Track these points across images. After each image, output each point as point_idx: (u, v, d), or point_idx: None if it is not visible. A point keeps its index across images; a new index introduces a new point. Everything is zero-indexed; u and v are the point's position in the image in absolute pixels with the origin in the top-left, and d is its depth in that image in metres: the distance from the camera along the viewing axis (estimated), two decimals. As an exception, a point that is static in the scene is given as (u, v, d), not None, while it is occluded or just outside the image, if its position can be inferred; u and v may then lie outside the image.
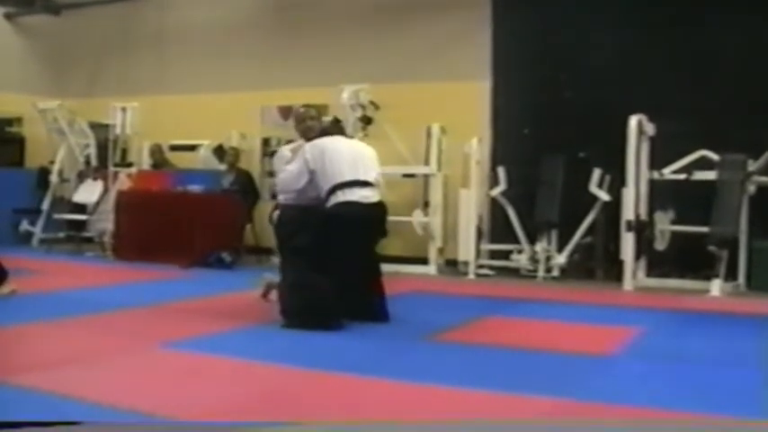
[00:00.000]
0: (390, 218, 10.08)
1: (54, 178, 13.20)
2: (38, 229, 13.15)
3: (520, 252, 10.48)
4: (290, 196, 6.82)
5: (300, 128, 7.08)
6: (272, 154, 12.67)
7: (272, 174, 11.92)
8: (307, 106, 7.28)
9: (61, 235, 12.92)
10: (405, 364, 5.13)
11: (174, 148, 12.92)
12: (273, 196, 11.64)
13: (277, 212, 6.91)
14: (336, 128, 7.15)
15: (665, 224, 9.69)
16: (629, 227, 9.35)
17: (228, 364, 5.01)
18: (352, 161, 6.56)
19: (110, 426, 3.70)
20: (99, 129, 13.15)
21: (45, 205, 13.19)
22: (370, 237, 6.71)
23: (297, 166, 6.59)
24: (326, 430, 3.78)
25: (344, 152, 6.61)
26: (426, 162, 10.75)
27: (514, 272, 10.48)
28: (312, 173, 6.49)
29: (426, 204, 10.92)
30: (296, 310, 6.29)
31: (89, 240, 12.30)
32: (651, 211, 9.70)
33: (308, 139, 6.91)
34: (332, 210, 6.40)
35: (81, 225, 12.41)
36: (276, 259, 10.89)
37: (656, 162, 9.67)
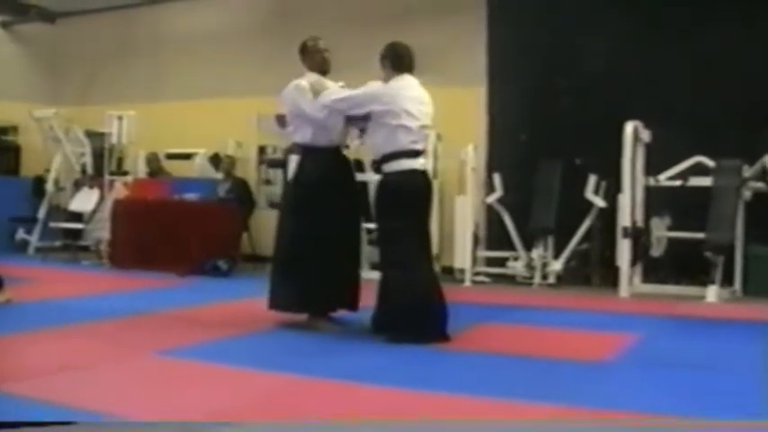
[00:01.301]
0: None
1: (50, 187, 13.19)
2: (34, 238, 13.13)
3: (516, 259, 10.48)
4: (305, 133, 6.50)
5: (317, 58, 6.78)
6: (269, 162, 12.76)
7: (268, 181, 11.98)
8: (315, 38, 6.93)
9: (57, 243, 12.92)
10: (403, 373, 5.11)
11: (171, 156, 12.92)
12: (272, 204, 11.69)
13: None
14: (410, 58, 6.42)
15: (661, 230, 9.70)
16: (626, 233, 9.36)
17: (224, 372, 4.99)
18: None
19: (108, 426, 3.70)
20: (95, 137, 13.13)
21: (41, 214, 13.18)
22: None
23: (363, 96, 6.24)
24: (326, 430, 3.77)
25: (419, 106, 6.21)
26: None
27: (511, 279, 10.49)
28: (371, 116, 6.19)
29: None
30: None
31: (85, 249, 12.30)
32: (647, 218, 9.72)
33: (325, 72, 6.69)
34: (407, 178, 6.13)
35: (77, 234, 12.41)
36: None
37: (652, 168, 9.69)
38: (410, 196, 6.09)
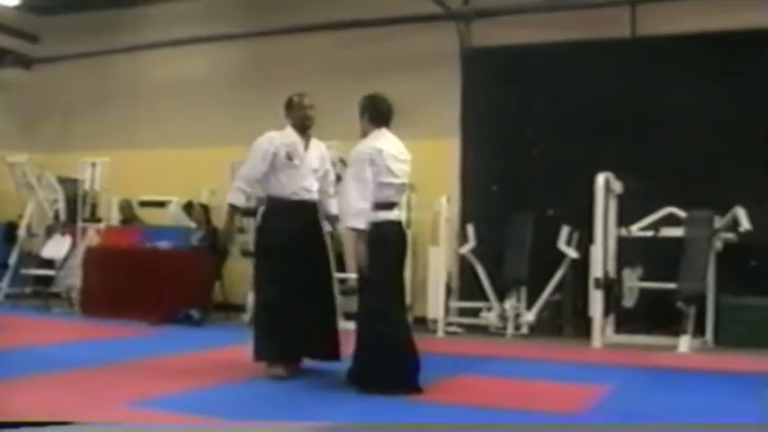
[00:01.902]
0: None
1: (22, 233, 13.05)
2: (4, 284, 12.99)
3: (489, 309, 10.49)
4: (267, 185, 6.77)
5: (299, 114, 6.94)
6: (243, 211, 12.72)
7: (242, 230, 11.93)
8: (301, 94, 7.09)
9: (28, 290, 12.80)
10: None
11: (144, 204, 12.87)
12: (245, 253, 11.66)
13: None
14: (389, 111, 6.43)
15: (633, 281, 9.75)
16: (598, 284, 9.40)
17: (197, 423, 4.95)
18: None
19: (108, 426, 3.66)
20: (68, 183, 13.07)
21: (12, 260, 13.05)
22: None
23: (365, 175, 6.05)
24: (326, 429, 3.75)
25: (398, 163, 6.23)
26: (396, 219, 10.77)
27: (483, 329, 10.48)
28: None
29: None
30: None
31: (56, 296, 12.17)
32: (619, 268, 9.77)
33: (306, 128, 6.87)
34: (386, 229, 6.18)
35: (48, 280, 12.30)
36: (247, 316, 10.93)
37: (624, 219, 9.77)
38: (385, 247, 6.10)
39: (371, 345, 6.04)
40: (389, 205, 6.16)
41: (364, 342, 6.10)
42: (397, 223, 6.29)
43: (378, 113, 6.30)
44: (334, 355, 6.78)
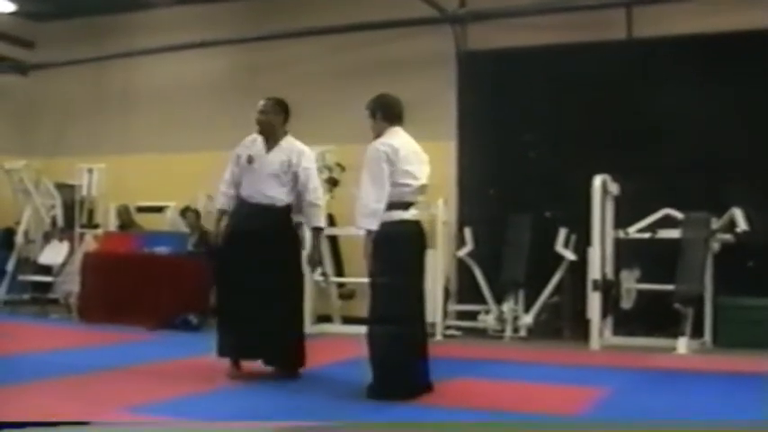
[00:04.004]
0: (358, 279, 10.10)
1: (19, 239, 13.03)
2: (2, 291, 12.97)
3: (487, 312, 10.49)
4: (228, 191, 6.99)
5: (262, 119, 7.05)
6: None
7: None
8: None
9: (26, 297, 12.77)
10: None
11: (141, 209, 12.87)
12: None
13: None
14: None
15: (630, 283, 9.76)
16: (596, 286, 9.41)
17: (197, 428, 4.96)
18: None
19: (113, 426, 3.66)
20: (65, 189, 13.05)
21: (9, 266, 13.04)
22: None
23: (382, 178, 5.97)
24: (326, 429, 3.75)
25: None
26: (393, 223, 10.77)
27: (482, 332, 10.48)
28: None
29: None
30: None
31: (54, 302, 12.16)
32: (617, 270, 9.77)
33: (261, 132, 6.97)
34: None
35: (46, 287, 12.29)
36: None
37: (621, 221, 9.78)
38: (396, 247, 6.02)
39: (380, 348, 5.95)
40: (405, 205, 6.09)
41: (374, 347, 5.99)
42: (414, 223, 6.22)
43: (391, 111, 6.25)
44: (292, 364, 6.81)
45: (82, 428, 3.47)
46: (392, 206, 6.00)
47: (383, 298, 6.02)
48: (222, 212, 7.07)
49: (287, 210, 6.93)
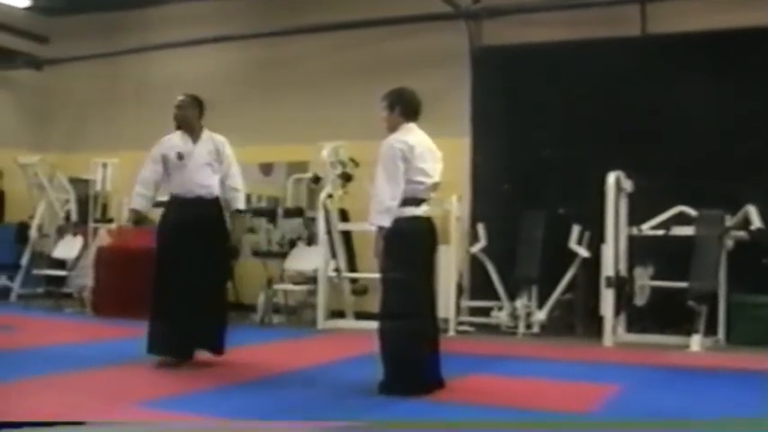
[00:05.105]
0: (370, 275, 10.10)
1: (33, 233, 13.11)
2: (16, 285, 13.06)
3: (500, 309, 10.47)
4: (146, 192, 7.22)
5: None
6: (254, 211, 12.78)
7: (252, 230, 11.95)
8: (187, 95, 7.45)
9: (40, 291, 12.83)
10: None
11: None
12: (255, 253, 11.68)
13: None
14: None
15: (644, 280, 9.73)
16: (609, 283, 9.38)
17: (211, 424, 4.96)
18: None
19: (110, 425, 3.67)
20: (79, 184, 13.12)
21: (24, 260, 13.11)
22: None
23: (398, 174, 5.96)
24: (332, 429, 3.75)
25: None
26: (406, 219, 10.77)
27: (495, 328, 10.47)
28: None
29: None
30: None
31: (68, 296, 12.20)
32: (630, 267, 9.74)
33: (178, 127, 7.20)
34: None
35: (60, 281, 12.34)
36: (258, 316, 10.94)
37: (635, 218, 9.74)
38: (407, 243, 5.99)
39: (391, 343, 5.93)
40: (417, 201, 6.07)
41: (385, 342, 5.96)
42: (426, 219, 6.20)
43: (410, 106, 6.22)
44: (217, 347, 7.14)
45: (80, 428, 3.47)
46: (405, 202, 6.00)
47: (393, 294, 6.01)
48: (136, 213, 7.39)
49: (218, 200, 7.28)
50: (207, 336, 7.11)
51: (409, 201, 6.03)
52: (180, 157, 7.14)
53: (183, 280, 6.95)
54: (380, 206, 5.95)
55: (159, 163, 7.22)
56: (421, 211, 6.13)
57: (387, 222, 5.93)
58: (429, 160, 6.14)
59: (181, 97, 7.37)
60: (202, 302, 7.02)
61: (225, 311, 7.40)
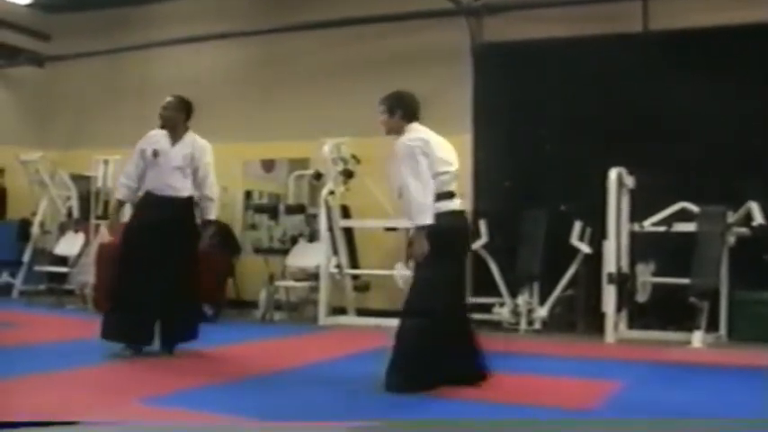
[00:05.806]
0: (372, 271, 10.11)
1: (35, 230, 13.13)
2: (18, 282, 13.08)
3: (502, 305, 10.47)
4: (130, 183, 7.34)
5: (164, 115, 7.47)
6: (256, 208, 12.81)
7: (254, 226, 11.97)
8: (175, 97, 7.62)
9: (42, 287, 12.84)
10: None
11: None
12: (257, 250, 11.69)
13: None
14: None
15: (646, 276, 9.73)
16: (611, 279, 9.38)
17: (210, 421, 4.96)
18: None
19: (109, 426, 3.66)
20: (81, 181, 13.13)
21: (26, 257, 13.12)
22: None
23: (424, 169, 5.91)
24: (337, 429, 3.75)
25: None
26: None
27: (496, 325, 10.46)
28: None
29: (408, 258, 10.90)
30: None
31: (70, 293, 12.21)
32: (632, 264, 9.74)
33: (162, 127, 7.35)
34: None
35: (62, 277, 12.35)
36: (259, 313, 10.96)
37: (637, 214, 9.74)
38: (440, 239, 5.88)
39: (408, 340, 5.89)
40: (449, 194, 6.03)
41: (401, 338, 5.92)
42: (460, 212, 6.18)
43: (410, 110, 6.20)
44: (170, 341, 7.35)
45: (75, 428, 3.47)
46: (438, 197, 5.93)
47: (420, 291, 6.00)
48: (121, 203, 7.64)
49: (190, 201, 7.35)
50: (166, 328, 7.29)
51: (442, 195, 5.97)
52: (155, 154, 7.29)
53: (143, 274, 7.06)
54: (419, 206, 5.85)
55: (140, 157, 7.38)
56: (456, 204, 6.10)
57: (430, 219, 5.82)
58: (445, 150, 6.14)
59: (169, 98, 7.54)
60: (161, 297, 7.12)
61: (188, 308, 7.45)
